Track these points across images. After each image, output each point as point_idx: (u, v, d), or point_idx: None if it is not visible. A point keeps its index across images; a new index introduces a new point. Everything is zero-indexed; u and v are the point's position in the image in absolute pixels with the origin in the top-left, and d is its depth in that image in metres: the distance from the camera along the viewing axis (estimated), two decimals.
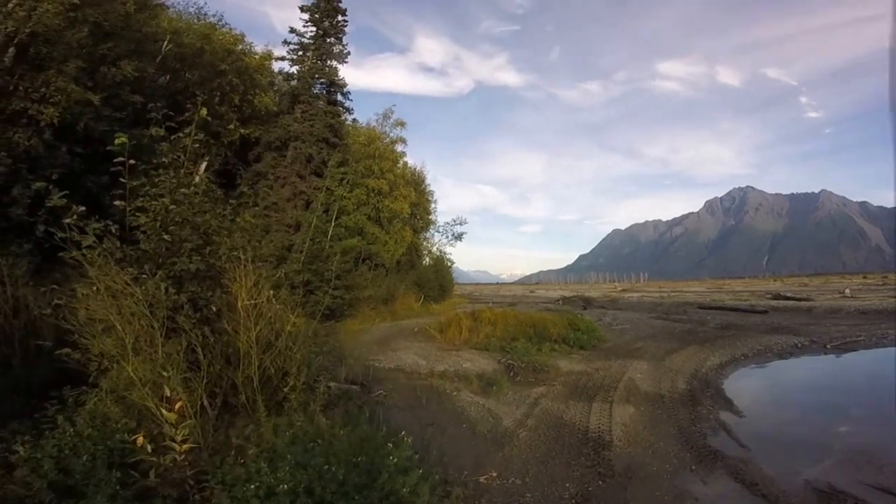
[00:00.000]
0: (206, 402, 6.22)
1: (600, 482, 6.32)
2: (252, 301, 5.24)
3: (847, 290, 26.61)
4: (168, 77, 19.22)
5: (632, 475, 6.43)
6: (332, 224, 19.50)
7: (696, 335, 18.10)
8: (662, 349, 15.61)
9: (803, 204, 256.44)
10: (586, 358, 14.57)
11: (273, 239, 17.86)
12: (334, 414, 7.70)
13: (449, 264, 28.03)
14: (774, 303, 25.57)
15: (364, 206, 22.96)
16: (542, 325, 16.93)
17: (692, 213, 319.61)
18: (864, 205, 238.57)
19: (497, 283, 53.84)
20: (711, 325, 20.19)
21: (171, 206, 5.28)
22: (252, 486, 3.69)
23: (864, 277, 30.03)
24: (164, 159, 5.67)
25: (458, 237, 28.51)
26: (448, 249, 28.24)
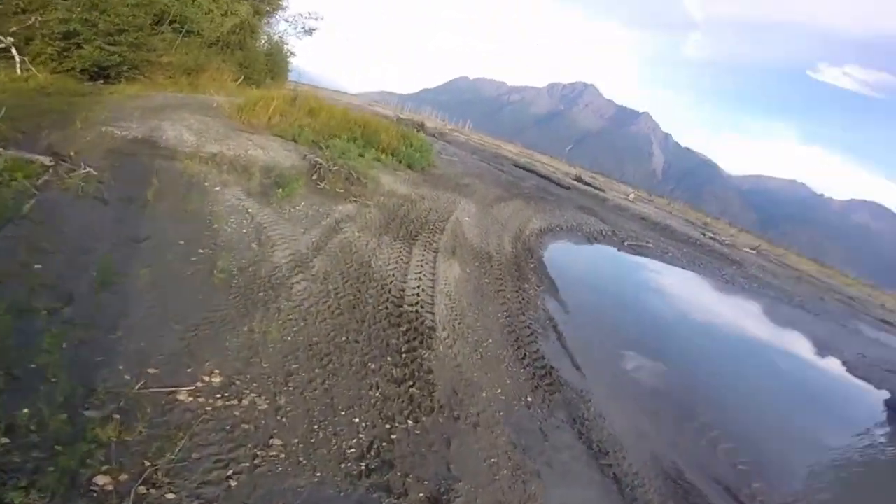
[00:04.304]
0: None
1: (411, 422, 3.60)
2: None
3: (631, 195, 30.37)
4: None
5: (458, 411, 3.94)
6: None
7: (521, 189, 17.19)
8: (491, 195, 13.97)
9: (625, 117, 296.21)
10: (413, 181, 11.68)
11: None
12: None
13: (288, 55, 21.11)
14: (576, 183, 27.33)
15: None
16: (374, 129, 13.33)
17: (534, 87, 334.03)
18: (667, 137, 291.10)
19: (339, 91, 44.77)
20: (530, 184, 19.74)
21: None
22: None
23: (635, 189, 35.36)
24: None
25: (309, 32, 20.93)
26: (293, 42, 20.82)
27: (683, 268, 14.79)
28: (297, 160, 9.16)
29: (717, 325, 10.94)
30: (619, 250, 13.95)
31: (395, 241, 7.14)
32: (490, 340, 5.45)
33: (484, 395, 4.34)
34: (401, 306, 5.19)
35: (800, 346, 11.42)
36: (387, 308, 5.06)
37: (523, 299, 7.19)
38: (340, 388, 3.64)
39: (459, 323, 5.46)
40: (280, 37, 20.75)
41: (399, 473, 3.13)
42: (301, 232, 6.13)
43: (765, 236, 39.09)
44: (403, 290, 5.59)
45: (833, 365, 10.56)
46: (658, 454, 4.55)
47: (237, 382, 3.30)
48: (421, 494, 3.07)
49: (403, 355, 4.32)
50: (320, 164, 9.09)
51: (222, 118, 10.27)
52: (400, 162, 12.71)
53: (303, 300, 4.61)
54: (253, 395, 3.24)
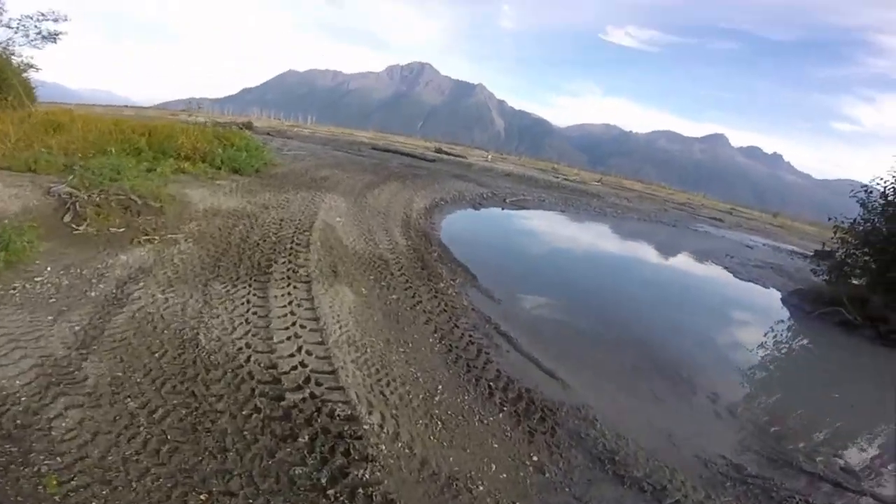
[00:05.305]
0: None
1: None
2: None
3: (489, 157, 30.59)
4: None
5: None
6: None
7: (390, 170, 15.17)
8: (358, 182, 11.74)
9: (463, 90, 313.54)
10: (246, 188, 8.87)
11: None
12: None
13: (23, 69, 15.21)
14: (439, 155, 26.43)
15: None
16: (165, 135, 9.82)
17: (373, 72, 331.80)
18: (502, 103, 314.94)
19: (125, 106, 30.51)
20: (396, 163, 17.94)
21: None
22: None
23: (489, 151, 36.39)
24: None
25: (52, 38, 15.34)
26: (31, 53, 15.20)
27: (563, 211, 14.67)
28: (34, 198, 5.76)
29: (625, 258, 11.04)
30: (503, 209, 13.11)
31: (234, 286, 4.62)
32: (440, 388, 3.58)
33: (481, 488, 2.51)
34: (281, 398, 2.94)
35: (682, 259, 11.85)
36: (259, 411, 2.79)
37: (447, 305, 5.40)
38: None
39: (388, 383, 3.45)
40: (6, 50, 14.92)
41: None
42: (49, 321, 3.36)
43: (598, 170, 43.77)
44: (276, 367, 3.32)
45: (719, 272, 10.72)
46: (708, 460, 3.29)
47: None
48: None
49: (329, 494, 2.22)
50: (75, 195, 5.91)
51: None
52: (219, 169, 9.50)
53: (82, 448, 2.15)
54: None
